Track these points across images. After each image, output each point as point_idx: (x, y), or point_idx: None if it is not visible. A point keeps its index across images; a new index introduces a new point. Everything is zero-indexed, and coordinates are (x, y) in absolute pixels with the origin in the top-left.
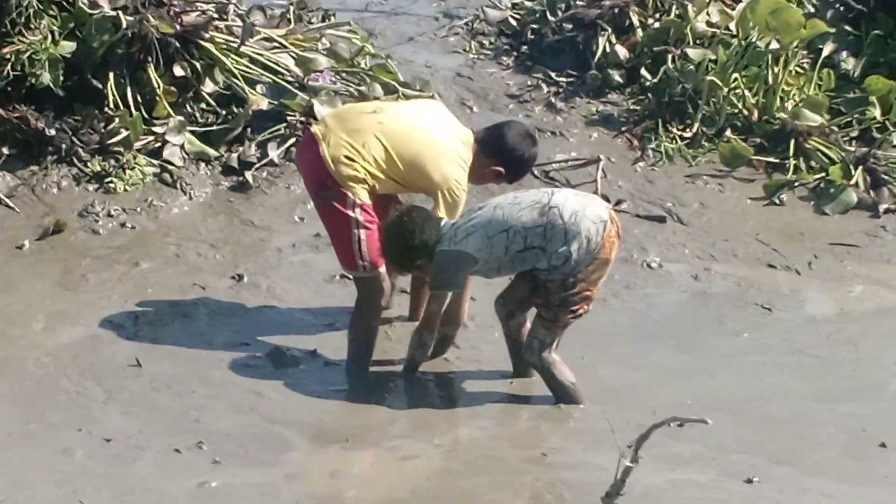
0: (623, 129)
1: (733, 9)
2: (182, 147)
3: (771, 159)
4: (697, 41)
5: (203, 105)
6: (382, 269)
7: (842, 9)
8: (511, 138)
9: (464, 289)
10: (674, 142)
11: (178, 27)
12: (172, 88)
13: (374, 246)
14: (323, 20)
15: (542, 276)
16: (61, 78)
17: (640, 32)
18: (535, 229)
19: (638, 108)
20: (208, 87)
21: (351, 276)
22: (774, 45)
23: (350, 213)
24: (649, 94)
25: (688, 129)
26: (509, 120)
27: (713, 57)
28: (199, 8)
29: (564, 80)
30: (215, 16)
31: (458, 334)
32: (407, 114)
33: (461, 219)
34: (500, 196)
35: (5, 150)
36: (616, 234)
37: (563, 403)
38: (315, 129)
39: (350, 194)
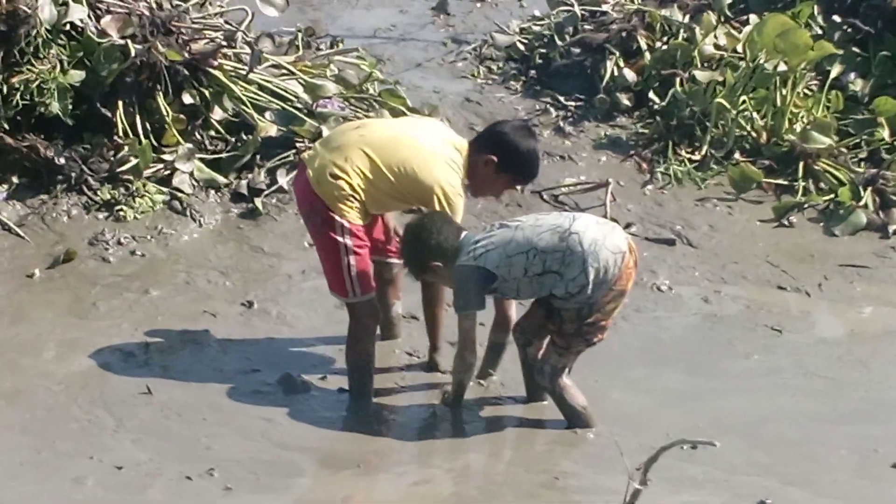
0: (632, 152)
1: (740, 31)
2: (191, 174)
3: (780, 181)
4: (705, 64)
5: (212, 132)
6: (373, 294)
7: (849, 30)
8: (503, 125)
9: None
10: (683, 165)
11: (186, 55)
12: (181, 116)
13: (364, 271)
14: (331, 47)
15: (558, 304)
16: (70, 107)
17: (647, 56)
18: (553, 254)
19: (646, 131)
20: (217, 114)
21: (342, 302)
22: (782, 67)
23: (339, 238)
24: (658, 118)
25: (696, 152)
26: None
27: (721, 79)
28: (207, 36)
29: (573, 104)
30: (224, 43)
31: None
32: (392, 125)
33: (482, 234)
34: (524, 216)
35: (15, 179)
36: (634, 264)
37: (575, 427)
38: (304, 154)
39: (338, 217)
